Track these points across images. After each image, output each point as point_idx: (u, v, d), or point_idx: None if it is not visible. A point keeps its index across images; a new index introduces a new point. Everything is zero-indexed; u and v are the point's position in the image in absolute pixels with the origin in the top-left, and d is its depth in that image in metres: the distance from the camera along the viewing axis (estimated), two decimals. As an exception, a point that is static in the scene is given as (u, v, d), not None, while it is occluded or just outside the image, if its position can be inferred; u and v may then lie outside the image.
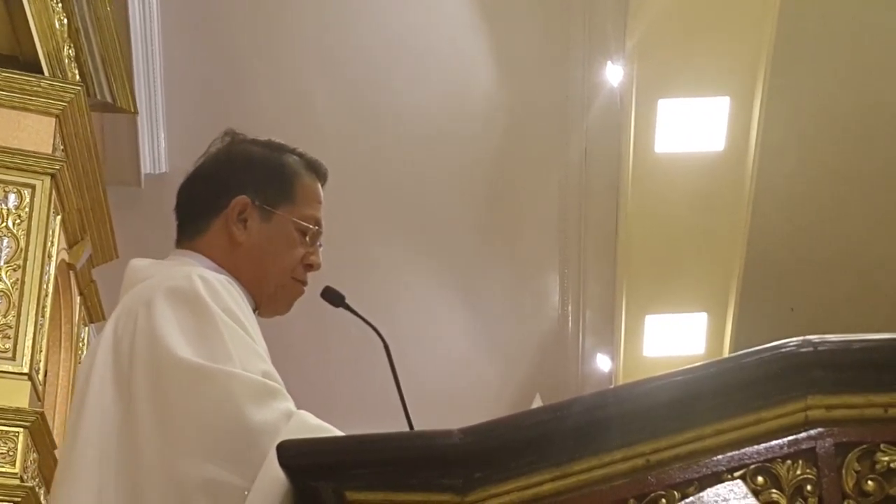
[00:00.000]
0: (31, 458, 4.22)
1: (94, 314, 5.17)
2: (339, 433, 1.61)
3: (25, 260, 4.21)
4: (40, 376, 4.29)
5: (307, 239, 1.88)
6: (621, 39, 5.97)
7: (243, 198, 1.85)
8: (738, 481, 1.44)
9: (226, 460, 1.55)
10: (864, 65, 6.12)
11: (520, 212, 6.86)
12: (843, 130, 6.39)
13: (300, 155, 1.93)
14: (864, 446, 1.46)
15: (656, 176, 6.43)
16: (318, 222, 1.90)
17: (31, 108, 4.37)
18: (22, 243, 4.23)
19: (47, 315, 4.34)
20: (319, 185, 1.94)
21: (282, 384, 1.67)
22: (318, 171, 1.94)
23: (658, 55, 5.94)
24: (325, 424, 1.62)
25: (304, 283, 1.90)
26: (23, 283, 4.18)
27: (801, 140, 6.44)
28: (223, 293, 1.73)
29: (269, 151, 1.92)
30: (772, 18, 5.82)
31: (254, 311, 1.85)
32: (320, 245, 1.92)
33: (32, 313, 4.17)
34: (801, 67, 6.09)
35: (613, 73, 6.11)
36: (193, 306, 1.68)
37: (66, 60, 4.68)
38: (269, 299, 1.88)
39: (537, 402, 7.04)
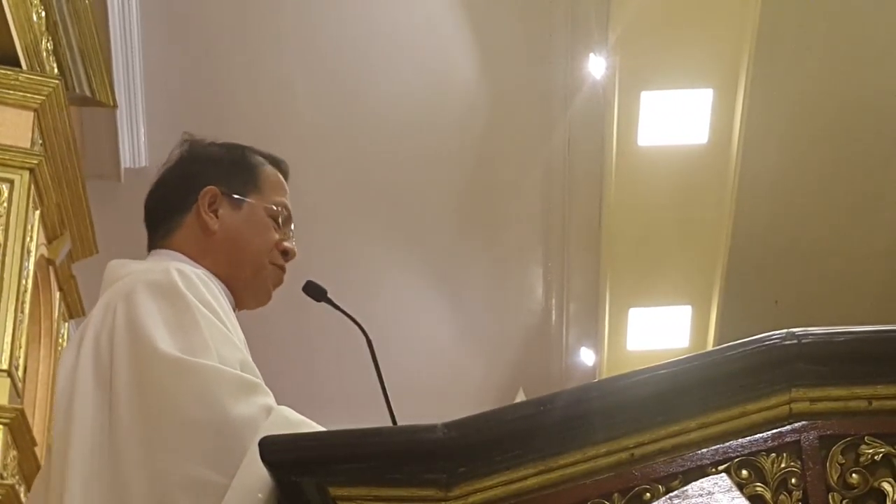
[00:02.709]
0: (11, 456, 4.19)
1: (74, 310, 5.13)
2: (318, 427, 1.61)
3: (4, 255, 4.17)
4: (20, 373, 4.25)
5: (279, 225, 1.90)
6: (604, 31, 5.96)
7: (212, 187, 1.87)
8: (723, 475, 1.43)
9: (206, 457, 1.54)
10: (847, 55, 6.13)
11: (503, 204, 6.85)
12: (826, 122, 6.40)
13: (259, 152, 1.97)
14: (849, 439, 1.46)
15: (640, 168, 6.42)
16: (286, 208, 1.92)
17: (9, 101, 4.33)
18: (0, 238, 4.19)
19: (26, 311, 4.29)
20: (282, 178, 1.96)
21: (259, 376, 1.67)
22: (278, 165, 1.97)
23: (641, 47, 5.93)
24: (305, 419, 1.62)
25: (283, 268, 1.91)
26: (1, 278, 4.14)
27: (784, 132, 6.45)
28: (200, 286, 1.73)
29: (230, 148, 1.95)
30: (754, 10, 5.82)
31: (234, 308, 1.84)
32: (292, 235, 1.94)
33: (11, 309, 4.13)
34: (784, 59, 6.10)
35: (596, 65, 6.10)
36: (171, 298, 1.68)
37: (45, 54, 4.64)
38: (247, 286, 1.88)
39: (521, 397, 7.05)
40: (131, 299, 1.68)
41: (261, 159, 1.94)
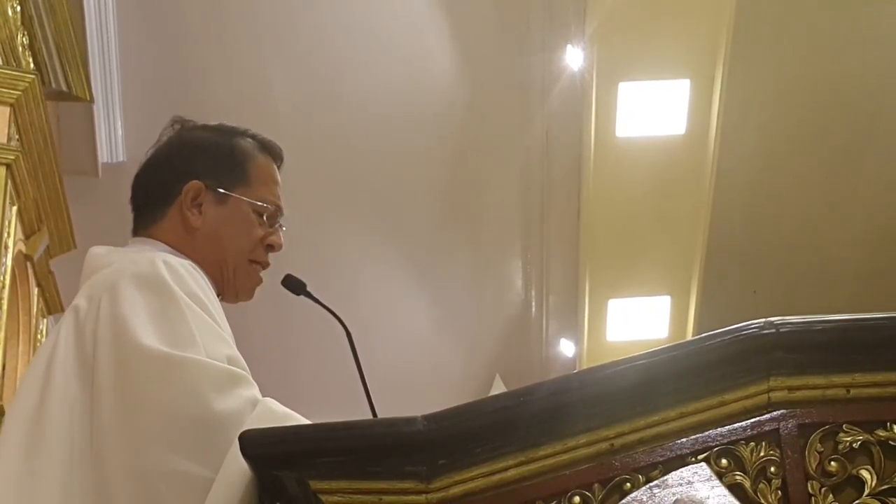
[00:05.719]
0: (-10, 452, 4.17)
1: (52, 305, 5.10)
2: (304, 420, 1.60)
3: (-19, 251, 4.15)
4: (-2, 369, 4.23)
5: (265, 220, 1.88)
6: (581, 22, 5.97)
7: (196, 182, 1.84)
8: (703, 464, 1.44)
9: (190, 451, 1.53)
10: (823, 46, 6.17)
11: (481, 196, 6.86)
12: (803, 113, 6.44)
13: (253, 136, 1.92)
14: (827, 427, 1.47)
15: (618, 159, 6.45)
16: (275, 202, 1.89)
17: (-15, 97, 4.30)
18: (-23, 235, 4.16)
19: (4, 307, 4.27)
20: (275, 166, 1.92)
21: (247, 370, 1.66)
22: (272, 152, 1.92)
23: (618, 38, 5.94)
24: (291, 412, 1.61)
25: (265, 264, 1.90)
26: (-22, 275, 4.12)
27: (761, 122, 6.48)
28: (187, 277, 1.71)
29: (220, 135, 1.91)
30: (731, 0, 5.85)
31: (218, 296, 1.84)
32: (281, 226, 1.92)
33: (-11, 306, 4.11)
34: (761, 49, 6.12)
35: (574, 57, 6.11)
36: (158, 291, 1.66)
37: (20, 48, 4.61)
38: (228, 283, 1.87)
39: (497, 384, 7.07)
40: (117, 291, 1.66)
41: (252, 148, 1.89)
